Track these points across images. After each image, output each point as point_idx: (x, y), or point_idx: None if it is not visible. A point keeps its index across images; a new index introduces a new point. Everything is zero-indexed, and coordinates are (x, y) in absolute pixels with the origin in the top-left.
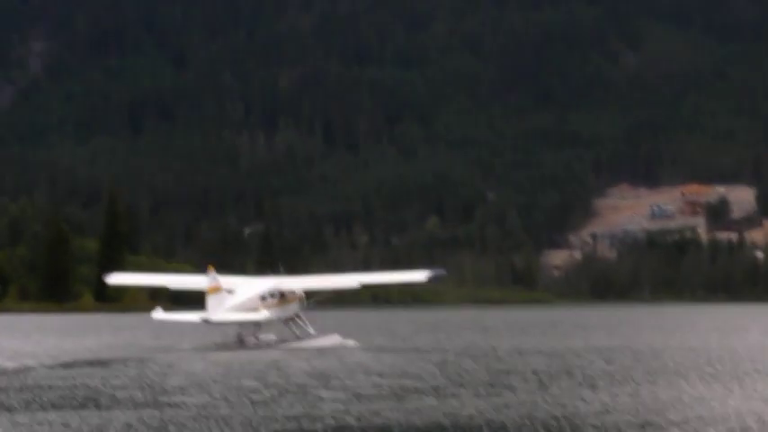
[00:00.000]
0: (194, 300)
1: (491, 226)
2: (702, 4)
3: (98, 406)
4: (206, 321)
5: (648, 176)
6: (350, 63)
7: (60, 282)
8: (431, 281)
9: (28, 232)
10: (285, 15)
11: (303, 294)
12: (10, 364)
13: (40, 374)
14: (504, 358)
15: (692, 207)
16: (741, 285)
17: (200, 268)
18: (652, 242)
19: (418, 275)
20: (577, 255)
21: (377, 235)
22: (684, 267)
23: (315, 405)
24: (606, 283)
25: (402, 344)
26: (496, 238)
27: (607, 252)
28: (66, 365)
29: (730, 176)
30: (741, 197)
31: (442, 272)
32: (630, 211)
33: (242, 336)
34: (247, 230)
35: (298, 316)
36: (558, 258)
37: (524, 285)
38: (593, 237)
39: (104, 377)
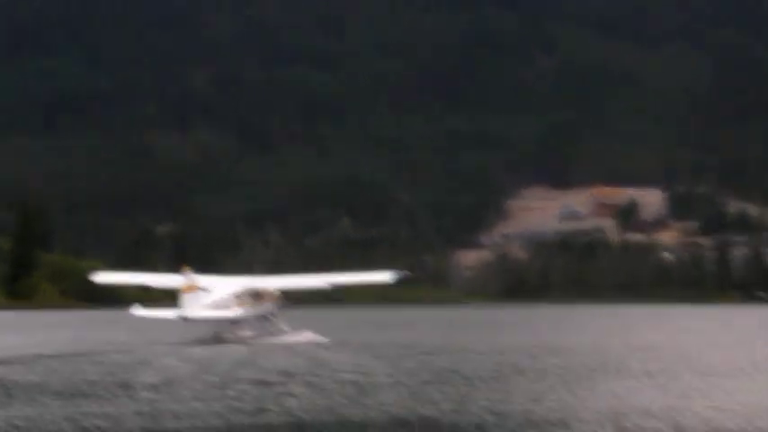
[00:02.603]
0: (110, 299)
1: (403, 226)
2: (619, 8)
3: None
4: (183, 318)
5: (560, 178)
6: (266, 63)
7: None
8: (395, 281)
9: None
10: (201, 15)
11: (278, 293)
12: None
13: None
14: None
15: (603, 209)
16: (650, 286)
17: (113, 267)
18: (563, 243)
19: (384, 276)
20: (489, 255)
21: (290, 235)
22: (595, 268)
23: (279, 400)
24: (518, 283)
25: (367, 340)
26: (409, 238)
27: (519, 253)
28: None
29: (640, 179)
30: (651, 199)
31: (406, 273)
32: (542, 212)
33: (219, 332)
34: (160, 229)
35: (272, 314)
36: (470, 259)
37: (436, 285)
38: (505, 237)
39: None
